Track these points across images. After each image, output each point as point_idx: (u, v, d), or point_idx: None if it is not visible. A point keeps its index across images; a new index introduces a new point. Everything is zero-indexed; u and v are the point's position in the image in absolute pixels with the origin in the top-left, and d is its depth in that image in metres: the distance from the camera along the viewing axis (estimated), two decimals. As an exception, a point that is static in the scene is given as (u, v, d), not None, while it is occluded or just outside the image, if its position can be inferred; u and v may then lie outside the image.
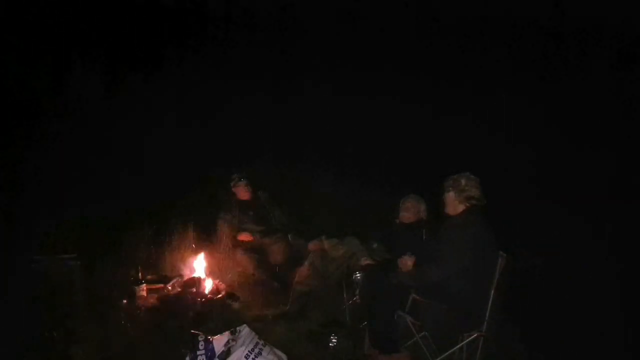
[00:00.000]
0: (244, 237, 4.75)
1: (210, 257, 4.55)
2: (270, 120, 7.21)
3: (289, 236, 4.83)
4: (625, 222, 4.47)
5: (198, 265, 4.41)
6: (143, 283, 3.97)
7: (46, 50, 6.51)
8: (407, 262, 3.23)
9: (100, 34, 7.10)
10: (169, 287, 4.16)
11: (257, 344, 2.82)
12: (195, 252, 4.51)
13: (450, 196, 3.09)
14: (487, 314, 2.91)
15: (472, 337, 2.91)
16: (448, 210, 3.14)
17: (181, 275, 4.35)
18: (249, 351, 2.73)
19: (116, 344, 3.26)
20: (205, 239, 4.79)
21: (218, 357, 2.74)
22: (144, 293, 3.94)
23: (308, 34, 7.47)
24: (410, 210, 3.94)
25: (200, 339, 2.83)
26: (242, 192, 4.90)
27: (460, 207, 3.06)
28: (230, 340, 2.80)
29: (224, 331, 2.87)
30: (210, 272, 4.43)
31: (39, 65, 6.31)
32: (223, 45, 7.71)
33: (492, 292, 2.92)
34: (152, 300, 3.95)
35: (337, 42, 7.50)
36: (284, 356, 2.94)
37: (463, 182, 3.05)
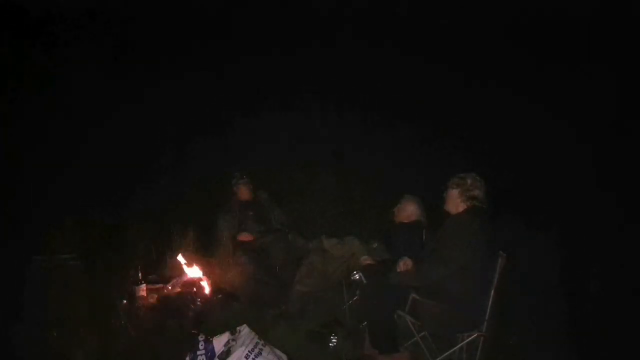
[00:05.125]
0: (244, 237, 4.75)
1: (209, 257, 4.56)
2: (269, 120, 7.21)
3: (289, 236, 4.83)
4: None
5: (197, 266, 4.41)
6: (143, 283, 3.97)
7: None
8: (406, 263, 3.24)
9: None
10: (169, 287, 4.16)
11: (257, 344, 2.82)
12: (194, 252, 4.52)
13: (454, 193, 3.09)
14: (487, 314, 2.91)
15: (472, 337, 2.91)
16: (449, 207, 3.13)
17: (181, 275, 4.35)
18: (249, 351, 2.73)
19: (116, 344, 3.26)
20: (205, 239, 4.80)
21: (218, 357, 2.74)
22: (144, 293, 3.95)
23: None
24: (408, 210, 3.95)
25: (200, 339, 2.83)
26: (243, 191, 4.91)
27: (462, 206, 3.05)
28: (230, 340, 2.80)
29: (224, 331, 2.87)
30: (210, 272, 4.43)
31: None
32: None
33: (492, 292, 2.92)
34: (152, 300, 3.95)
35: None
36: (284, 356, 2.94)
37: (469, 181, 3.05)
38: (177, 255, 4.48)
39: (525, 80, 6.15)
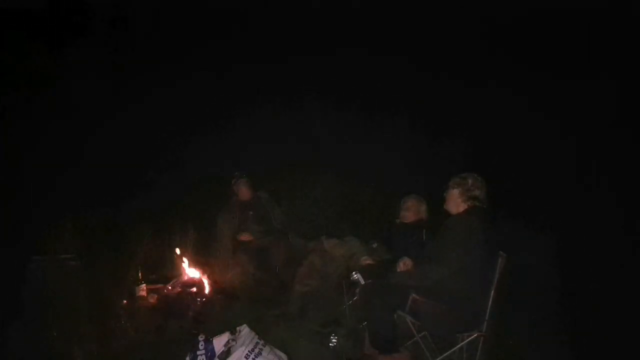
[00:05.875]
0: (244, 237, 4.75)
1: (209, 257, 4.56)
2: (270, 121, 7.21)
3: (289, 236, 4.83)
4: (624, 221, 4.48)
5: (197, 266, 4.41)
6: (143, 283, 3.97)
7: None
8: (406, 263, 3.24)
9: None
10: (169, 287, 4.16)
11: (257, 344, 2.82)
12: (194, 252, 4.51)
13: (455, 193, 3.09)
14: (487, 314, 2.91)
15: (472, 337, 2.91)
16: (449, 207, 3.14)
17: (181, 275, 4.35)
18: (249, 351, 2.73)
19: (116, 344, 3.26)
20: (206, 239, 4.80)
21: (218, 357, 2.74)
22: (144, 293, 3.95)
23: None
24: (411, 210, 3.95)
25: (200, 339, 2.83)
26: (243, 191, 4.91)
27: (463, 206, 3.06)
28: (230, 340, 2.80)
29: (224, 331, 2.87)
30: (210, 272, 4.43)
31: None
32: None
33: (492, 292, 2.92)
34: (152, 300, 3.96)
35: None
36: (284, 356, 2.94)
37: (470, 181, 3.05)
38: (179, 254, 4.49)
39: (525, 80, 6.16)
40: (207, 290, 4.20)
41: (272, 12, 7.76)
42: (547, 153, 5.61)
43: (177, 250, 4.48)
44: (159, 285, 4.15)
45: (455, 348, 2.97)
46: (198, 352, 2.77)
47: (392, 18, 7.68)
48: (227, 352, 2.73)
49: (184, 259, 4.46)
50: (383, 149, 6.86)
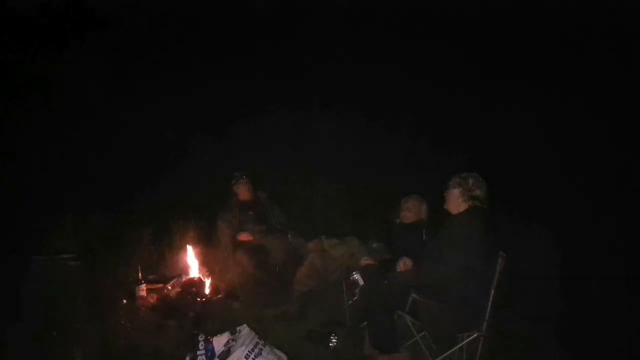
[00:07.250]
0: (244, 237, 4.75)
1: (209, 257, 4.56)
2: (272, 122, 7.22)
3: (289, 236, 4.83)
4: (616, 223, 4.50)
5: (197, 266, 4.42)
6: (143, 283, 3.97)
7: (46, 50, 6.57)
8: (406, 263, 3.24)
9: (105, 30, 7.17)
10: (169, 287, 4.16)
11: (257, 344, 2.82)
12: (194, 252, 4.52)
13: (455, 193, 3.09)
14: (487, 314, 2.91)
15: (472, 337, 2.91)
16: (449, 207, 3.13)
17: (181, 275, 4.36)
18: (249, 351, 2.73)
19: (116, 344, 3.26)
20: (206, 239, 4.80)
21: (218, 357, 2.74)
22: (144, 293, 3.95)
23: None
24: (412, 210, 3.95)
25: (200, 339, 2.83)
26: (243, 190, 4.90)
27: (463, 206, 3.06)
28: (230, 340, 2.80)
29: (224, 331, 2.87)
30: (210, 272, 4.43)
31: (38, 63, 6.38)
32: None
33: (492, 292, 2.92)
34: (152, 300, 3.95)
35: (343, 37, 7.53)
36: (284, 356, 2.94)
37: (471, 181, 3.05)
38: (184, 251, 4.49)
39: (525, 82, 6.17)
40: (207, 290, 4.20)
41: (274, 18, 7.79)
42: (546, 155, 5.62)
43: (191, 250, 4.48)
44: (159, 285, 4.14)
45: (455, 348, 2.98)
46: (198, 352, 2.78)
47: (392, 22, 7.71)
48: (227, 352, 2.74)
49: (193, 259, 4.46)
50: (383, 149, 6.87)
